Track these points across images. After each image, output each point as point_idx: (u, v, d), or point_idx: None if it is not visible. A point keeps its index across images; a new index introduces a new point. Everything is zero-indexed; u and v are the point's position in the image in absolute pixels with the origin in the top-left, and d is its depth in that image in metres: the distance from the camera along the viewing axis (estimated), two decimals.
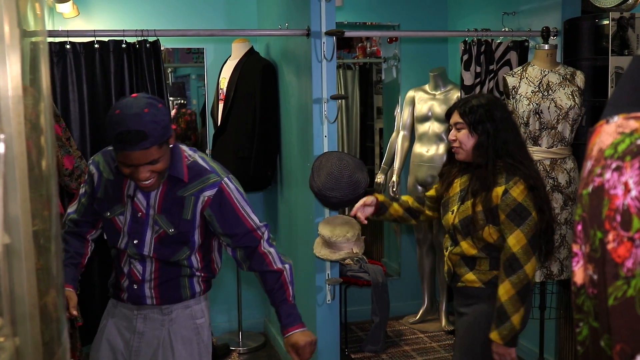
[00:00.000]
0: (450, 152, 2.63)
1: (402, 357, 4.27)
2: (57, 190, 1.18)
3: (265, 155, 4.10)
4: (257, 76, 4.05)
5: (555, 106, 3.38)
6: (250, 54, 4.18)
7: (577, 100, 3.40)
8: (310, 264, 3.52)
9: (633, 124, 0.89)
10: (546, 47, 3.52)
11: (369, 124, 5.43)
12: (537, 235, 2.37)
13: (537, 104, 3.39)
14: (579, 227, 0.96)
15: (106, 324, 2.23)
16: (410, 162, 4.67)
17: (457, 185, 2.54)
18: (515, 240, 2.34)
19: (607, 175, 0.88)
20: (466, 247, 2.46)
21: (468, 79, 3.74)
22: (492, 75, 3.77)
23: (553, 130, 3.39)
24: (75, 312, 2.12)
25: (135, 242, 2.10)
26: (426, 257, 4.76)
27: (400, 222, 2.85)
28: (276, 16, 4.03)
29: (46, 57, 1.17)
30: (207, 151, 4.47)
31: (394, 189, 4.61)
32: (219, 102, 4.28)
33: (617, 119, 0.91)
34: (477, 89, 3.75)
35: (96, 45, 3.34)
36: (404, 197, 2.81)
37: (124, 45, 3.37)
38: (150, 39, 3.38)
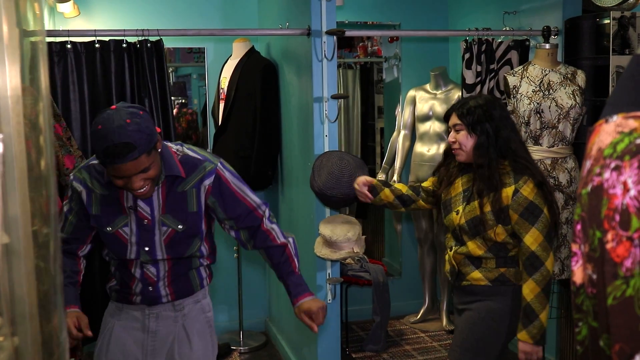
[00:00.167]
0: (446, 152, 2.64)
1: (403, 357, 4.27)
2: (56, 189, 1.18)
3: (266, 155, 4.10)
4: (258, 76, 4.05)
5: (556, 105, 3.38)
6: (251, 53, 4.18)
7: (578, 99, 3.40)
8: (311, 263, 3.52)
9: (632, 123, 0.89)
10: (547, 46, 3.51)
11: (370, 124, 5.43)
12: (551, 231, 2.40)
13: (538, 104, 3.39)
14: (578, 227, 0.95)
15: (112, 327, 2.21)
16: (411, 161, 4.67)
17: (459, 185, 2.54)
18: (532, 239, 2.36)
19: (606, 174, 0.88)
20: (473, 247, 2.47)
21: (470, 78, 3.74)
22: (492, 74, 3.77)
23: (554, 130, 3.39)
24: (89, 332, 2.09)
25: (146, 249, 2.10)
26: (427, 257, 4.76)
27: (389, 208, 2.87)
28: (277, 16, 4.03)
29: (45, 57, 1.17)
30: (208, 150, 4.47)
31: None
32: (220, 101, 4.28)
33: (616, 118, 0.91)
34: (478, 88, 3.74)
35: (97, 45, 3.34)
36: (398, 185, 2.81)
37: (124, 45, 3.37)
38: (153, 39, 3.38)
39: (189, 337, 2.21)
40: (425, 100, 4.60)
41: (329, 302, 3.47)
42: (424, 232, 4.72)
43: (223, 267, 4.57)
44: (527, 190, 2.37)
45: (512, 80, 3.50)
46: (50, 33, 3.37)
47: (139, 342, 2.18)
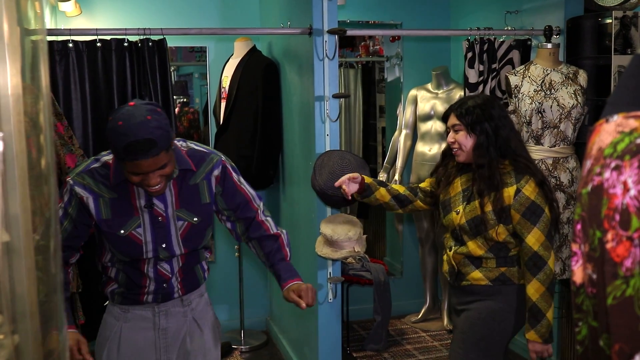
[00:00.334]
0: (444, 152, 2.64)
1: (404, 356, 4.27)
2: (56, 188, 1.18)
3: (267, 154, 4.10)
4: (259, 75, 4.05)
5: (558, 105, 3.37)
6: (253, 52, 4.18)
7: (579, 99, 3.40)
8: (312, 262, 3.52)
9: (633, 122, 0.89)
10: (549, 45, 3.51)
11: (372, 123, 5.43)
12: (552, 229, 2.42)
13: (539, 103, 3.38)
14: (578, 227, 0.95)
15: (119, 330, 2.18)
16: (412, 160, 4.67)
17: (458, 185, 2.54)
18: (534, 239, 2.37)
19: (606, 174, 0.88)
20: (473, 247, 2.47)
21: (472, 77, 3.74)
22: (494, 74, 3.76)
23: (555, 130, 3.39)
24: (90, 358, 2.05)
25: (163, 246, 2.09)
26: (428, 256, 4.76)
27: (385, 209, 2.86)
28: (278, 15, 4.03)
29: (45, 55, 1.17)
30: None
31: None
32: (221, 100, 4.28)
33: (616, 118, 0.91)
34: (481, 87, 3.74)
35: (98, 44, 3.35)
36: (395, 186, 2.80)
37: (126, 44, 3.37)
38: (155, 38, 3.38)
39: (201, 328, 2.23)
40: (427, 100, 4.60)
41: (330, 301, 3.47)
42: (425, 232, 4.72)
43: (224, 266, 4.58)
44: (529, 189, 2.37)
45: (513, 80, 3.50)
46: (52, 32, 3.37)
47: (150, 341, 2.17)
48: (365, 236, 3.34)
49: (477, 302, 2.49)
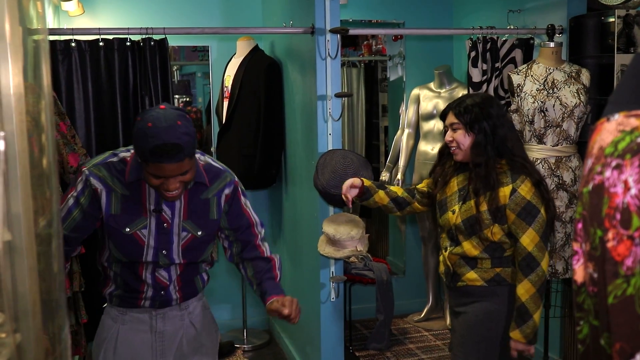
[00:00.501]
0: (441, 152, 2.62)
1: (406, 355, 4.27)
2: (58, 187, 1.19)
3: (269, 153, 4.10)
4: (262, 74, 4.05)
5: (561, 104, 3.37)
6: (255, 51, 4.19)
7: (582, 98, 3.39)
8: (314, 261, 3.52)
9: (634, 121, 0.89)
10: (551, 44, 3.50)
11: (374, 122, 5.43)
12: (546, 230, 2.40)
13: (542, 102, 3.38)
14: (580, 225, 0.95)
15: (116, 331, 2.18)
16: (415, 160, 4.67)
17: (455, 184, 2.52)
18: (529, 239, 2.36)
19: (607, 173, 0.88)
20: (468, 247, 2.46)
21: (476, 76, 3.73)
22: (497, 73, 3.76)
23: (558, 129, 3.38)
24: None
25: (164, 252, 2.09)
26: (431, 256, 4.76)
27: (384, 211, 2.85)
28: (281, 14, 4.03)
29: (47, 55, 1.17)
30: (212, 149, 4.49)
31: None
32: (224, 99, 4.29)
33: (617, 117, 0.91)
34: (485, 87, 3.73)
35: (101, 43, 3.35)
36: (393, 188, 2.78)
37: (128, 44, 3.37)
38: (157, 37, 3.39)
39: (197, 331, 2.23)
40: (430, 99, 4.60)
41: (332, 300, 3.48)
42: (427, 231, 4.71)
43: (226, 266, 4.58)
44: (525, 189, 2.35)
45: (516, 79, 3.49)
46: (55, 31, 3.38)
47: (147, 343, 2.18)
48: (367, 235, 3.34)
49: (474, 304, 2.48)
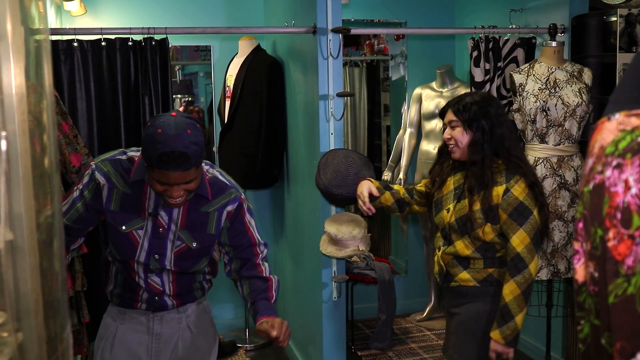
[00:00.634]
0: (440, 150, 2.62)
1: (408, 355, 4.27)
2: (60, 187, 1.19)
3: (271, 153, 4.11)
4: (264, 73, 4.05)
5: (563, 103, 3.37)
6: (257, 51, 4.19)
7: (584, 97, 3.39)
8: (316, 261, 3.52)
9: (634, 121, 0.89)
10: (553, 44, 3.50)
11: (377, 122, 5.43)
12: (538, 233, 2.37)
13: (544, 101, 3.38)
14: (580, 225, 0.95)
15: (115, 330, 2.21)
16: (417, 159, 4.67)
17: (451, 183, 2.51)
18: (519, 240, 2.33)
19: (608, 172, 0.88)
20: (461, 247, 2.44)
21: (478, 76, 3.73)
22: (499, 72, 3.76)
23: (560, 128, 3.38)
24: None
25: (157, 257, 2.10)
26: (433, 255, 4.75)
27: (386, 212, 2.84)
28: (282, 13, 4.03)
29: (49, 55, 1.18)
30: (214, 148, 4.49)
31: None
32: (226, 99, 4.29)
33: (618, 116, 0.91)
34: (488, 86, 3.73)
35: (103, 43, 3.35)
36: (396, 187, 2.78)
37: (130, 43, 3.38)
38: (158, 37, 3.39)
39: (194, 335, 2.24)
40: (432, 98, 4.60)
41: (334, 299, 3.48)
42: (430, 231, 4.71)
43: None
44: (518, 190, 2.34)
45: (518, 78, 3.49)
46: (57, 31, 3.38)
47: (143, 344, 2.20)
48: (369, 235, 3.34)
49: (467, 305, 2.46)
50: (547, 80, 3.43)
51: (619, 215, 0.85)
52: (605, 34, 3.44)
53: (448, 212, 2.47)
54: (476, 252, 2.42)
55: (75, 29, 3.31)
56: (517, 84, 3.48)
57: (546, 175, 3.39)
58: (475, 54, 3.72)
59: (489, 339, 2.41)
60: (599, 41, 3.49)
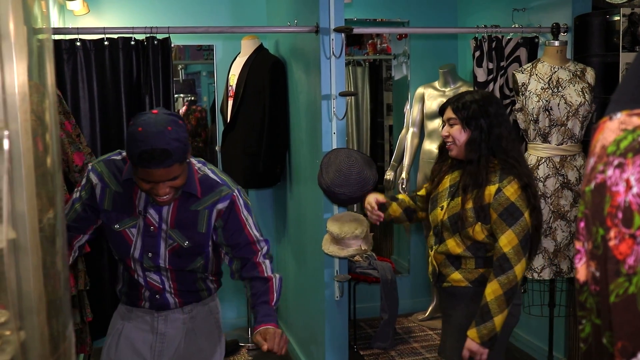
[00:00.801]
0: (441, 149, 2.61)
1: (410, 354, 4.27)
2: (62, 186, 1.19)
3: (274, 152, 4.11)
4: (266, 73, 4.05)
5: (565, 103, 3.36)
6: (260, 50, 4.19)
7: (587, 97, 3.38)
8: (318, 260, 3.53)
9: (636, 120, 0.89)
10: (556, 43, 3.49)
11: (379, 121, 5.43)
12: (528, 236, 2.34)
13: (546, 101, 3.37)
14: (582, 224, 0.95)
15: (122, 327, 2.24)
16: (419, 159, 4.66)
17: (447, 181, 2.50)
18: (507, 241, 2.31)
19: (609, 172, 0.88)
20: (452, 245, 2.42)
21: (481, 76, 3.72)
22: (502, 71, 3.75)
23: (563, 127, 3.38)
24: None
25: (150, 255, 2.11)
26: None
27: (396, 223, 2.83)
28: (285, 13, 4.03)
29: (51, 54, 1.18)
30: (217, 147, 4.49)
31: (404, 186, 4.61)
32: (229, 98, 4.29)
33: (620, 116, 0.91)
34: (491, 86, 3.73)
35: (106, 43, 3.36)
36: (401, 196, 2.78)
37: (132, 43, 3.39)
38: (160, 37, 3.40)
39: (197, 337, 2.24)
40: (434, 98, 4.59)
41: (336, 299, 3.48)
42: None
43: None
44: (510, 190, 2.32)
45: (520, 78, 3.49)
46: (60, 30, 3.39)
47: (147, 343, 2.21)
48: (372, 234, 3.34)
49: (462, 307, 2.44)
50: (550, 79, 3.42)
51: (620, 215, 0.85)
52: (608, 33, 3.44)
53: (442, 209, 2.46)
54: (467, 250, 2.41)
55: (78, 28, 3.32)
56: (520, 84, 3.48)
57: (549, 174, 3.39)
58: (477, 54, 3.71)
59: None
60: (602, 40, 3.48)
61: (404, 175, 4.66)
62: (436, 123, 4.56)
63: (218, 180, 2.12)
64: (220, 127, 4.49)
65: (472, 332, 2.33)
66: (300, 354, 4.09)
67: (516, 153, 2.41)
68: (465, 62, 4.81)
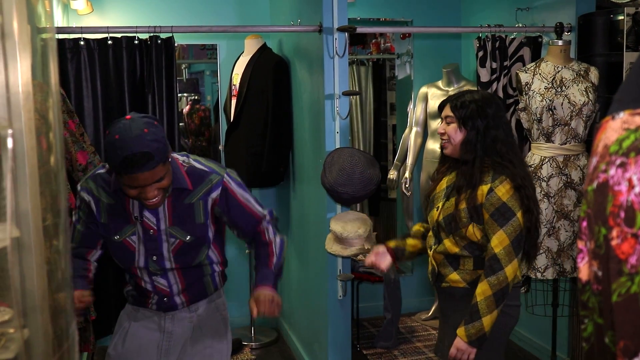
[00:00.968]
0: (442, 147, 2.60)
1: (413, 354, 4.27)
2: (66, 185, 1.20)
3: (277, 151, 4.11)
4: (270, 72, 4.06)
5: (569, 102, 3.36)
6: (263, 50, 4.19)
7: (591, 96, 3.38)
8: (321, 259, 3.53)
9: (638, 120, 0.89)
10: (560, 42, 3.49)
11: (383, 121, 5.42)
12: (521, 237, 2.31)
13: (550, 100, 3.37)
14: (584, 224, 0.95)
15: (128, 326, 2.26)
16: (422, 158, 4.66)
17: (444, 182, 2.49)
18: (498, 241, 2.29)
19: (612, 171, 0.88)
20: (449, 244, 2.41)
21: (484, 76, 3.72)
22: (505, 71, 3.75)
23: (566, 127, 3.37)
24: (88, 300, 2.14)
25: (154, 258, 2.12)
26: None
27: (422, 254, 2.75)
28: (288, 12, 4.03)
29: (55, 53, 1.18)
30: (220, 147, 4.50)
31: (407, 185, 4.60)
32: (232, 98, 4.30)
33: (622, 115, 0.91)
34: (494, 85, 3.72)
35: (109, 42, 3.37)
36: (414, 229, 2.71)
37: (136, 42, 3.39)
38: (163, 36, 3.40)
39: (203, 335, 2.25)
40: (438, 97, 4.58)
41: (339, 298, 3.48)
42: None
43: (235, 263, 4.59)
44: (502, 191, 2.30)
45: (524, 77, 3.48)
46: (64, 30, 3.40)
47: (154, 341, 2.23)
48: (375, 233, 3.34)
49: (460, 309, 2.41)
50: (554, 79, 3.42)
51: (622, 214, 0.85)
52: (612, 32, 3.43)
53: (437, 210, 2.45)
54: (464, 249, 2.38)
55: (81, 27, 3.33)
56: (523, 83, 3.47)
57: (552, 174, 3.38)
58: (480, 54, 3.71)
59: (486, 344, 2.39)
60: (606, 40, 3.47)
61: (407, 174, 4.66)
62: (439, 122, 4.56)
63: (205, 169, 2.13)
64: (223, 127, 4.50)
65: (460, 331, 2.33)
66: (303, 353, 4.09)
67: (512, 155, 2.37)
68: (468, 61, 4.81)
